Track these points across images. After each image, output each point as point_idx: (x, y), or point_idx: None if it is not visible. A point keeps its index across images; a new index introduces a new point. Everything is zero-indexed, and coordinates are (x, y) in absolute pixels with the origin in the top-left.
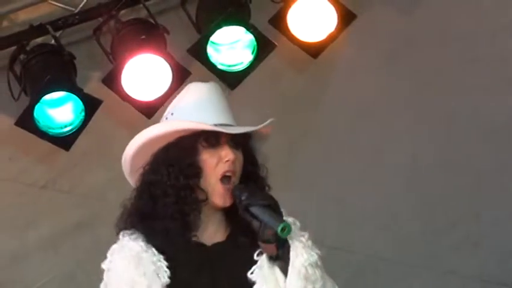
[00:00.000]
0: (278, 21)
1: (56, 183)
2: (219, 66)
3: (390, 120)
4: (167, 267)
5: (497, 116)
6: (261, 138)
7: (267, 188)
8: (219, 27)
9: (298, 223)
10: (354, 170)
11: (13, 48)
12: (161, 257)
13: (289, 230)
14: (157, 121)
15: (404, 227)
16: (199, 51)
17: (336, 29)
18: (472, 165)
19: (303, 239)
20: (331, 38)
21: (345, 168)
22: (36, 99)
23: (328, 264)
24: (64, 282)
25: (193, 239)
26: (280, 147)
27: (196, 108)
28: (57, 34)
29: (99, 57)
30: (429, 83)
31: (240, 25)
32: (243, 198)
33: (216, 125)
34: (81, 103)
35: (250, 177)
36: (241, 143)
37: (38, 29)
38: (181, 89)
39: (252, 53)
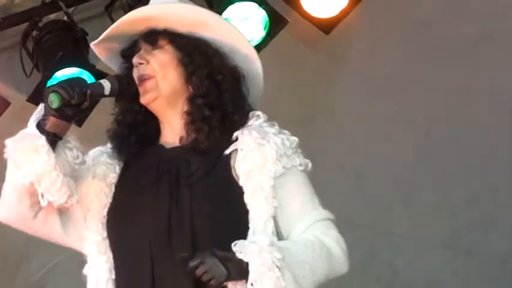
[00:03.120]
0: None
1: None
2: None
3: (404, 95)
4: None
5: (510, 91)
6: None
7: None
8: (231, 2)
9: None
10: (369, 145)
11: (25, 24)
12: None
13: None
14: None
15: (419, 204)
16: None
17: (348, 4)
18: (487, 142)
19: None
20: (344, 14)
21: (359, 144)
22: (48, 75)
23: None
24: (81, 261)
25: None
26: (294, 123)
27: None
28: (70, 10)
29: None
30: (444, 59)
31: (252, 1)
32: None
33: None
34: (93, 79)
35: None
36: (157, 42)
37: (51, 5)
38: None
39: (264, 28)
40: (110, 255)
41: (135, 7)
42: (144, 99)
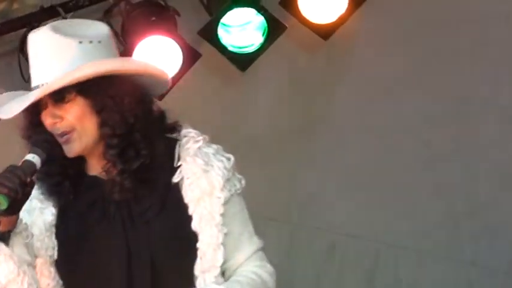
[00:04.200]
0: (289, 2)
1: None
2: (230, 48)
3: (404, 102)
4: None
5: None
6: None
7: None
8: (230, 8)
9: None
10: (370, 155)
11: (24, 30)
12: None
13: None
14: (167, 102)
15: (422, 215)
16: (209, 33)
17: (346, 10)
18: (489, 150)
19: None
20: (342, 20)
21: (360, 153)
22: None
23: (347, 252)
24: None
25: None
26: (294, 129)
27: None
28: (68, 16)
29: None
30: (444, 65)
31: (250, 7)
32: None
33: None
34: None
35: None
36: (64, 97)
37: (49, 11)
38: (192, 71)
39: (263, 34)
40: None
41: (132, 13)
42: (71, 154)
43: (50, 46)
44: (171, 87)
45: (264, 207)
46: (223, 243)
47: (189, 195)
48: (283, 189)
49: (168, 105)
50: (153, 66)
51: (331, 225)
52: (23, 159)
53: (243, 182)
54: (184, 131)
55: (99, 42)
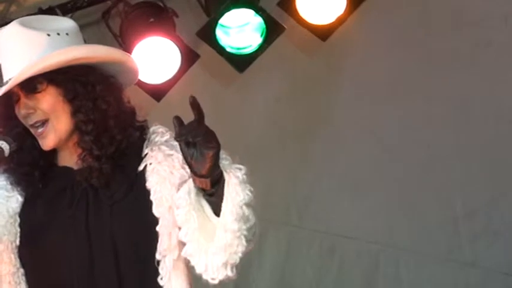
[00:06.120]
0: (287, 3)
1: None
2: (228, 49)
3: (403, 104)
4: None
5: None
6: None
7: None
8: (228, 9)
9: (229, 157)
10: (369, 157)
11: None
12: None
13: None
14: (166, 104)
15: (422, 217)
16: (208, 34)
17: (344, 11)
18: (489, 152)
19: (239, 175)
20: (340, 21)
21: (359, 154)
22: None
23: (346, 254)
24: None
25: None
26: (292, 131)
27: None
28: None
29: (108, 41)
30: (443, 67)
31: (249, 8)
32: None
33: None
34: None
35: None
36: (36, 87)
37: (47, 12)
38: (190, 72)
39: (261, 35)
40: (24, 286)
41: (131, 14)
42: (46, 147)
43: (19, 40)
44: (169, 89)
45: (263, 209)
46: (179, 226)
47: (150, 180)
48: (282, 191)
49: (166, 105)
50: (119, 51)
51: (330, 227)
52: None
53: None
54: (153, 128)
55: (67, 34)
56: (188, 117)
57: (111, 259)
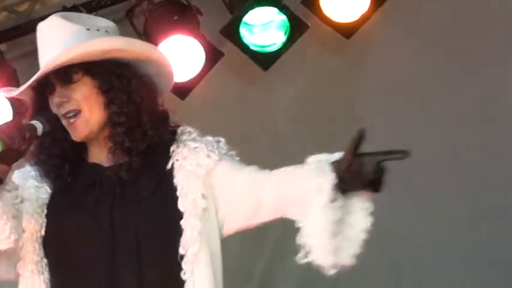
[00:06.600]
0: (311, 1)
1: None
2: (252, 47)
3: (427, 102)
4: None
5: None
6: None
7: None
8: (252, 7)
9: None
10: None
11: None
12: None
13: None
14: (190, 102)
15: (444, 213)
16: (232, 32)
17: (368, 9)
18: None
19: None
20: (364, 19)
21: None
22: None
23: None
24: None
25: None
26: (315, 128)
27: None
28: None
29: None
30: (469, 64)
31: (272, 6)
32: None
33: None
34: None
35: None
36: (71, 77)
37: (71, 11)
38: (214, 70)
39: (285, 33)
40: (47, 275)
41: (155, 12)
42: (77, 138)
43: (59, 31)
44: (193, 87)
45: None
46: (201, 219)
47: (177, 177)
48: None
49: (190, 103)
50: (157, 50)
51: None
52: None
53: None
54: (181, 128)
55: (106, 31)
56: (210, 113)
57: (134, 256)
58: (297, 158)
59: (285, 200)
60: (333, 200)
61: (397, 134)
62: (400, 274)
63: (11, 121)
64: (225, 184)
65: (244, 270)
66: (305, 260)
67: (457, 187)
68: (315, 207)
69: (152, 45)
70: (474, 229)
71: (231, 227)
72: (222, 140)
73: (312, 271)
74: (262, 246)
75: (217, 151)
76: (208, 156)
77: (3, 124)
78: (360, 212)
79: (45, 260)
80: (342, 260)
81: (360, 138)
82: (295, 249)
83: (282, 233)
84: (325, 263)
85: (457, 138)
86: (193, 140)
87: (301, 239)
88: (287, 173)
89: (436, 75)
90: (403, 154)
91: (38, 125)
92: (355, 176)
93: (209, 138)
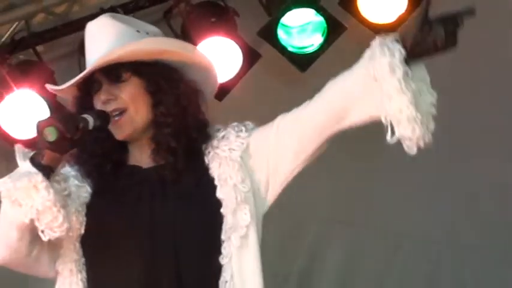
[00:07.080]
0: (348, 3)
1: None
2: (290, 49)
3: (469, 101)
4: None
5: None
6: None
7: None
8: (289, 9)
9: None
10: (431, 159)
11: (83, 32)
12: None
13: None
14: (228, 104)
15: (487, 214)
16: (269, 34)
17: (406, 10)
18: None
19: None
20: (401, 20)
21: (423, 152)
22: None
23: (407, 256)
24: None
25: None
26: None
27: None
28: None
29: None
30: (499, 70)
31: (310, 7)
32: None
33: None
34: None
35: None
36: (120, 76)
37: (109, 12)
38: (252, 72)
39: (322, 35)
40: (84, 274)
41: (192, 14)
42: (120, 136)
43: (110, 31)
44: (231, 88)
45: (329, 210)
46: (247, 201)
47: (212, 166)
48: (346, 191)
49: (227, 105)
50: (206, 57)
51: (394, 228)
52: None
53: None
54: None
55: (155, 35)
56: (247, 115)
57: (172, 255)
58: (336, 159)
59: (341, 106)
60: (406, 74)
61: (438, 132)
62: (443, 275)
63: (65, 111)
64: (263, 144)
65: (282, 271)
66: (393, 137)
67: (495, 188)
68: (393, 85)
69: (201, 51)
70: None
71: (282, 175)
72: (248, 122)
73: (348, 270)
74: (299, 246)
75: (244, 128)
76: (237, 136)
77: (58, 113)
78: (424, 84)
79: (83, 259)
80: (426, 134)
81: (427, 3)
82: (333, 249)
83: (319, 232)
84: (414, 136)
85: (503, 136)
86: (219, 130)
87: (387, 118)
88: (330, 84)
89: (476, 74)
90: (469, 12)
91: (90, 119)
92: (428, 35)
93: (234, 123)
